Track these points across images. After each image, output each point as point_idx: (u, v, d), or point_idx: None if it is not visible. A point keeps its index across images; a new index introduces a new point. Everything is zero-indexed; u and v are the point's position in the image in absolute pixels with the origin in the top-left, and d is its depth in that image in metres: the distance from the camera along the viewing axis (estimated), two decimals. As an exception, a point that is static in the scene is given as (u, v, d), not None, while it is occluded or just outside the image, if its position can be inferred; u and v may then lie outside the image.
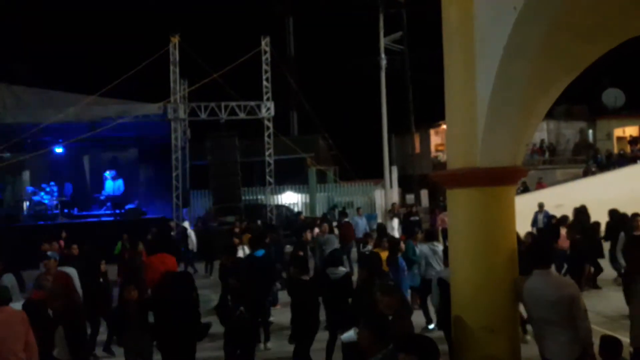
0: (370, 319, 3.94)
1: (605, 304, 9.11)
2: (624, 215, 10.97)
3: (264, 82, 20.27)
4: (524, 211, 13.75)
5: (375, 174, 26.19)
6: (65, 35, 32.44)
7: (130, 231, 13.39)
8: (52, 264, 7.97)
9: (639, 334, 4.43)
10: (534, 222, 14.97)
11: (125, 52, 27.51)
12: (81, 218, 20.94)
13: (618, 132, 32.01)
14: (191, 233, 16.15)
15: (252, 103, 20.19)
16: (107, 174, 22.03)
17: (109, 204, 21.34)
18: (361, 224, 15.77)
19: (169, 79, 20.22)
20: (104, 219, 20.59)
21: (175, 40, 19.87)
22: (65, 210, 20.94)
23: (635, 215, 10.07)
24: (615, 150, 29.78)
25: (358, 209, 18.75)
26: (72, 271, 8.04)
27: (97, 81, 19.54)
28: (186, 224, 17.73)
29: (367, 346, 3.70)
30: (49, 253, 10.67)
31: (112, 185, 21.93)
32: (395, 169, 24.72)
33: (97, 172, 22.83)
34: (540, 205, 15.42)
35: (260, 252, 8.42)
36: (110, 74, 19.21)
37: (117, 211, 20.66)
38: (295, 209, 24.51)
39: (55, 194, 20.76)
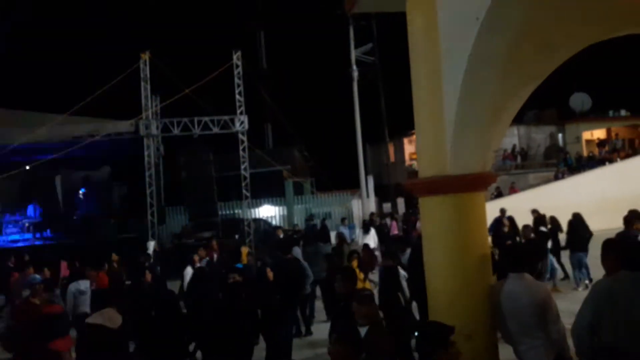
0: (342, 333, 3.93)
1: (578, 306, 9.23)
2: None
3: (237, 96, 20.25)
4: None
5: (351, 184, 26.33)
6: (33, 54, 32.00)
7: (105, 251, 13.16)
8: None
9: None
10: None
11: (95, 70, 27.28)
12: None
13: (587, 135, 32.76)
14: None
15: (226, 117, 20.14)
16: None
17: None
18: (347, 234, 16.55)
19: (141, 95, 20.07)
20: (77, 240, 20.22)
21: (146, 56, 19.76)
22: (37, 234, 20.50)
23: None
24: (585, 153, 30.44)
25: (343, 219, 19.25)
26: None
27: (67, 100, 19.30)
28: (150, 245, 17.06)
29: (341, 357, 3.68)
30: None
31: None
32: (371, 179, 24.88)
33: (69, 192, 22.48)
34: (502, 211, 15.55)
35: (239, 265, 8.55)
36: (80, 92, 19.01)
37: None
38: (273, 222, 24.45)
39: (19, 224, 20.30)
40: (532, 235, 10.74)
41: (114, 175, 23.19)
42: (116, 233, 20.46)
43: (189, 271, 9.98)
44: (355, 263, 8.42)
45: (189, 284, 8.68)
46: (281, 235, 14.66)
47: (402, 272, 7.66)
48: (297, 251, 11.13)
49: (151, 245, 15.55)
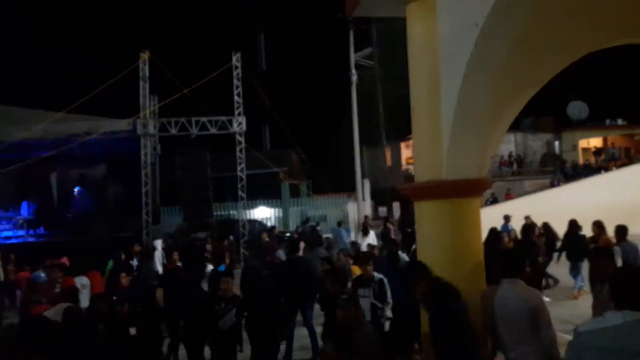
0: (332, 332, 3.95)
1: (573, 312, 9.26)
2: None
3: (235, 97, 20.25)
4: (494, 222, 13.94)
5: (347, 187, 26.34)
6: (31, 51, 31.94)
7: (100, 251, 13.17)
8: None
9: None
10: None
11: (94, 68, 27.23)
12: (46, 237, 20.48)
13: (583, 143, 32.91)
14: (157, 254, 15.54)
15: (224, 118, 20.14)
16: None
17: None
18: (345, 236, 17.33)
19: (139, 94, 20.05)
20: (71, 238, 20.14)
21: (145, 56, 19.76)
22: (31, 232, 20.44)
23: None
24: (581, 161, 30.57)
25: (340, 222, 19.61)
26: None
27: (65, 97, 19.27)
28: (157, 244, 16.92)
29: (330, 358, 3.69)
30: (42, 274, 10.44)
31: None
32: (367, 182, 24.90)
33: (64, 190, 22.40)
34: (506, 217, 15.67)
35: (222, 268, 8.60)
36: (78, 90, 18.98)
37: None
38: (269, 224, 24.42)
39: (13, 220, 20.23)
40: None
41: (109, 174, 23.11)
42: (110, 232, 20.37)
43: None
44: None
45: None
46: (267, 239, 14.56)
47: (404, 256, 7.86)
48: (281, 254, 11.09)
49: (158, 243, 15.38)
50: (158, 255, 14.72)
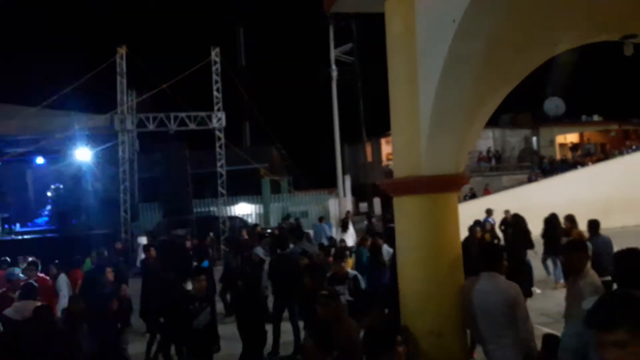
0: (313, 328, 3.95)
1: (550, 305, 9.40)
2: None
3: (215, 93, 20.11)
4: (473, 216, 14.06)
5: (328, 183, 26.36)
6: (7, 45, 31.29)
7: (76, 247, 12.99)
8: None
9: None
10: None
11: (71, 63, 26.78)
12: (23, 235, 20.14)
13: (560, 139, 33.39)
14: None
15: (203, 114, 19.98)
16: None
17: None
18: (327, 231, 17.71)
19: (116, 90, 19.79)
20: (48, 235, 19.86)
21: (122, 51, 19.50)
22: (6, 226, 20.09)
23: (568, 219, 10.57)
24: (558, 157, 31.02)
25: (321, 217, 19.70)
26: None
27: (41, 93, 18.95)
28: (142, 240, 16.65)
29: (312, 355, 3.70)
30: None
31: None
32: (348, 178, 24.93)
33: (41, 187, 22.04)
34: (488, 211, 15.86)
35: (205, 263, 8.53)
36: (54, 85, 18.69)
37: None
38: (249, 220, 24.33)
39: None
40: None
41: (87, 170, 22.78)
42: (88, 228, 20.10)
43: None
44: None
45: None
46: (246, 236, 14.51)
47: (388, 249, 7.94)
48: (260, 251, 11.05)
49: (143, 240, 15.17)
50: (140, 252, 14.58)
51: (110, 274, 8.34)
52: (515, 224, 12.31)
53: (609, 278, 7.79)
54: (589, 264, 4.62)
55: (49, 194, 21.63)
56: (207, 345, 6.30)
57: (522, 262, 8.27)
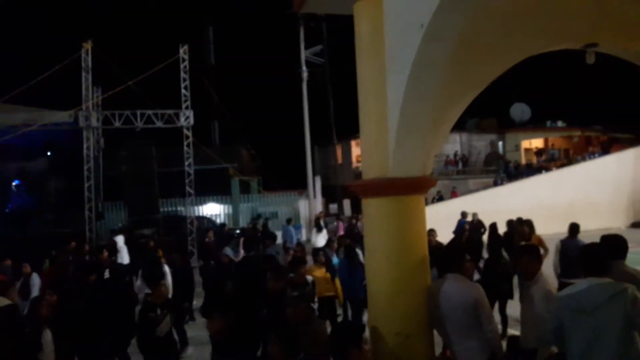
0: (279, 332, 3.92)
1: (518, 308, 9.53)
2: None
3: (183, 91, 19.84)
4: (440, 219, 14.25)
5: (299, 185, 26.35)
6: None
7: (40, 248, 12.66)
8: None
9: (528, 335, 4.67)
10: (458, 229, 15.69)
11: (35, 57, 26.08)
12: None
13: (525, 144, 34.12)
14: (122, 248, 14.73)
15: (170, 111, 19.68)
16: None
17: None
18: (294, 233, 17.75)
19: (81, 86, 19.35)
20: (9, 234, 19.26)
21: (88, 46, 19.08)
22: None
23: (520, 222, 10.86)
24: (523, 161, 31.69)
25: (289, 219, 19.62)
26: None
27: (2, 87, 18.37)
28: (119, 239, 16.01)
29: (278, 358, 3.68)
30: None
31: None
32: (318, 180, 24.99)
33: (2, 184, 21.38)
34: (463, 214, 16.15)
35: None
36: (17, 79, 18.13)
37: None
38: (218, 220, 24.11)
39: None
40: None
41: (50, 168, 22.23)
42: (51, 228, 19.59)
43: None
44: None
45: None
46: (212, 237, 14.34)
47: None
48: (229, 251, 10.94)
49: (120, 239, 14.65)
50: (124, 250, 14.19)
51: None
52: (481, 227, 12.58)
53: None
54: (543, 269, 4.70)
55: (10, 191, 21.00)
56: (167, 352, 6.15)
57: (499, 264, 8.38)
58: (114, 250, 13.56)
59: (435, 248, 7.26)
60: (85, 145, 19.32)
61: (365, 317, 6.41)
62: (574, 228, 8.88)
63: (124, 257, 13.93)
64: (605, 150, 29.11)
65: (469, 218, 15.85)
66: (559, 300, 3.92)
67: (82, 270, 8.52)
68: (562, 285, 8.39)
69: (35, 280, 9.33)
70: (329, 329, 5.63)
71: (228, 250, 11.09)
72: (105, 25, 34.06)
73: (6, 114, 18.30)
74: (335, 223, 20.55)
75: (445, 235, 12.34)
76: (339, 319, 8.13)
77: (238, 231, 19.75)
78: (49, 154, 21.90)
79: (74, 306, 6.39)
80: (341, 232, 18.38)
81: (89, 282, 7.34)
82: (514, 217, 12.08)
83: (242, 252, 14.29)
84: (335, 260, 9.44)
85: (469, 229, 14.83)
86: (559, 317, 3.79)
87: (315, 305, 6.49)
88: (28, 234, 18.87)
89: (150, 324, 5.82)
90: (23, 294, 8.80)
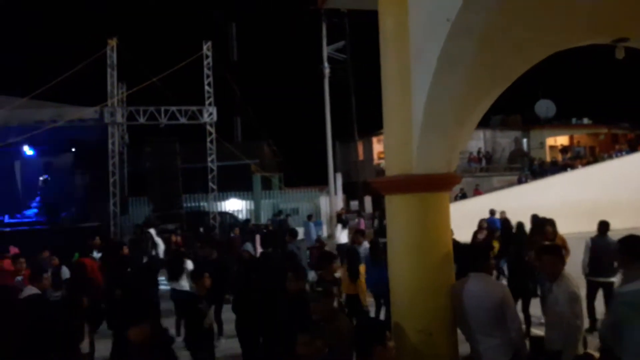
0: (304, 327, 3.93)
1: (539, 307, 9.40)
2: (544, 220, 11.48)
3: (206, 87, 20.00)
4: (464, 217, 14.09)
5: (320, 181, 26.31)
6: (-5, 35, 30.93)
7: (65, 240, 12.88)
8: None
9: (552, 336, 4.60)
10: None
11: (61, 54, 26.53)
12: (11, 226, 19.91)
13: (550, 141, 33.59)
14: (158, 240, 14.60)
15: (194, 108, 19.86)
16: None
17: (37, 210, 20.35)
18: (314, 229, 17.56)
19: (107, 82, 19.63)
20: (37, 227, 19.66)
21: (113, 42, 19.34)
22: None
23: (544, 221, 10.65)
24: (548, 159, 31.21)
25: (310, 215, 19.38)
26: None
27: (30, 83, 18.75)
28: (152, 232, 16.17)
29: (305, 353, 3.68)
30: None
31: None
32: (339, 176, 24.93)
33: (29, 178, 21.81)
34: (492, 211, 15.90)
35: None
36: (44, 76, 18.48)
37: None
38: (240, 216, 24.26)
39: None
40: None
41: (76, 163, 22.59)
42: (77, 221, 19.93)
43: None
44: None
45: None
46: (237, 233, 14.45)
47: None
48: (249, 247, 11.01)
49: (153, 232, 14.73)
50: (160, 242, 14.30)
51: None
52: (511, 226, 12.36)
53: (610, 279, 7.90)
54: (566, 269, 4.62)
55: (37, 186, 21.39)
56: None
57: (524, 263, 8.27)
58: (151, 243, 13.74)
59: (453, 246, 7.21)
60: (110, 141, 19.61)
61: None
62: (603, 226, 8.70)
63: (160, 251, 14.09)
64: (633, 148, 28.48)
65: (497, 216, 15.59)
66: (618, 296, 3.90)
67: (119, 264, 8.80)
68: (589, 284, 8.27)
69: (65, 272, 9.49)
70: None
71: (248, 246, 11.15)
72: (130, 23, 34.50)
73: (34, 110, 18.66)
74: (356, 220, 20.52)
75: (467, 234, 12.25)
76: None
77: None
78: (74, 149, 22.24)
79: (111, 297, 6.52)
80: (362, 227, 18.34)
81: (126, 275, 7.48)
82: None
83: (259, 249, 14.34)
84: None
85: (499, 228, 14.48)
86: (617, 312, 3.74)
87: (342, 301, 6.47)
88: (55, 227, 19.24)
89: (199, 316, 5.89)
90: (53, 285, 8.99)
